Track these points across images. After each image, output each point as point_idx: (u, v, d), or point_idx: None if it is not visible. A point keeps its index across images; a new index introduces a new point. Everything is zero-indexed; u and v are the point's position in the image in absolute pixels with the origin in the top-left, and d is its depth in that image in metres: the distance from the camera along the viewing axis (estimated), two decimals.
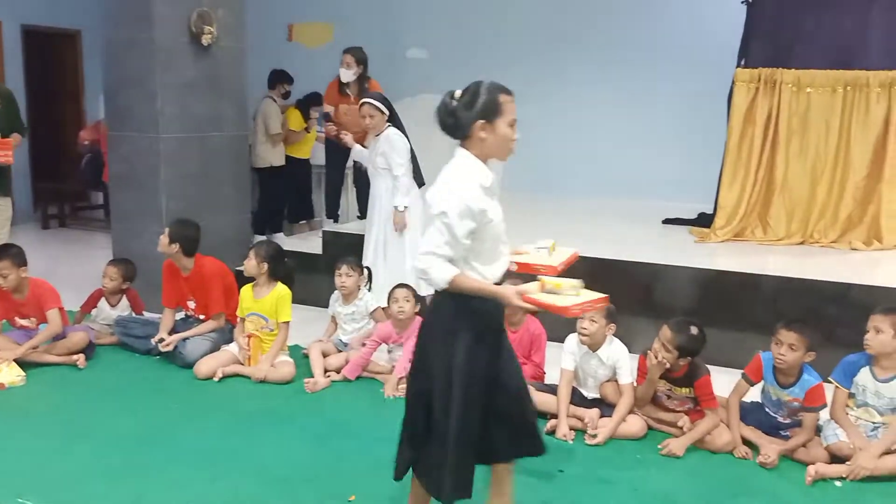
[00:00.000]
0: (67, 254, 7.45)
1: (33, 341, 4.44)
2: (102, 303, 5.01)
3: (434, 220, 2.46)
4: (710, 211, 6.17)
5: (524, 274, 2.66)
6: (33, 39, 8.91)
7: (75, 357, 4.51)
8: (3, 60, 8.52)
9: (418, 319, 4.53)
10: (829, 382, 3.58)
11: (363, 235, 5.34)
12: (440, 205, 2.44)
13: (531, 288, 2.44)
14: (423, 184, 5.41)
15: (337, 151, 6.39)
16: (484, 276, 2.50)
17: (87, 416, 3.87)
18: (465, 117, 2.46)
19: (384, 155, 5.04)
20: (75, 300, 5.04)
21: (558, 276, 2.55)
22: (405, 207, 5.02)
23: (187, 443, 3.59)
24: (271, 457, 3.46)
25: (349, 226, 6.36)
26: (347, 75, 6.09)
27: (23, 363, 4.35)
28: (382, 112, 5.01)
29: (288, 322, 4.47)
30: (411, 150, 5.13)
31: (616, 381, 3.84)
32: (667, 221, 6.55)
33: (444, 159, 2.53)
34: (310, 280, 5.51)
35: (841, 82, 5.59)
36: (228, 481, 3.24)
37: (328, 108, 6.41)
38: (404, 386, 4.21)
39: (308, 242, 6.34)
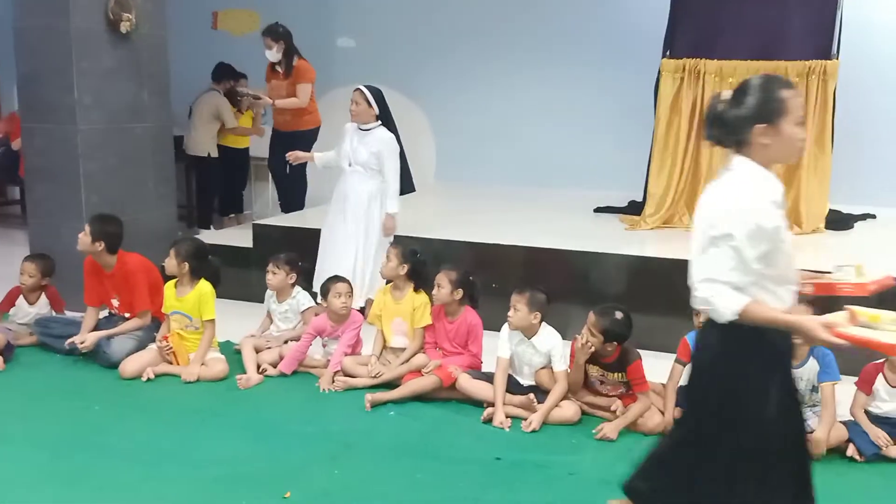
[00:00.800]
0: None
1: None
2: (21, 301, 4.79)
3: (716, 242, 2.11)
4: (640, 199, 6.28)
5: (819, 297, 2.33)
6: None
7: None
8: None
9: (353, 313, 4.49)
10: None
11: (298, 228, 5.22)
12: (723, 225, 2.09)
13: (840, 320, 2.10)
14: (413, 190, 5.33)
15: (280, 142, 6.23)
16: (775, 303, 2.17)
17: (7, 420, 3.69)
18: (740, 122, 2.15)
19: (378, 156, 4.90)
20: None
21: (871, 303, 2.22)
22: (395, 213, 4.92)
23: (116, 444, 3.46)
24: (204, 455, 3.37)
25: (279, 219, 6.23)
26: (272, 56, 6.07)
27: None
28: (370, 104, 4.89)
29: (212, 320, 4.36)
30: (402, 155, 5.04)
31: (551, 368, 3.88)
32: (598, 210, 6.64)
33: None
34: (241, 275, 5.39)
35: (761, 72, 5.72)
36: (161, 482, 3.14)
37: (250, 90, 6.48)
38: (340, 380, 4.19)
39: (239, 236, 6.20)
